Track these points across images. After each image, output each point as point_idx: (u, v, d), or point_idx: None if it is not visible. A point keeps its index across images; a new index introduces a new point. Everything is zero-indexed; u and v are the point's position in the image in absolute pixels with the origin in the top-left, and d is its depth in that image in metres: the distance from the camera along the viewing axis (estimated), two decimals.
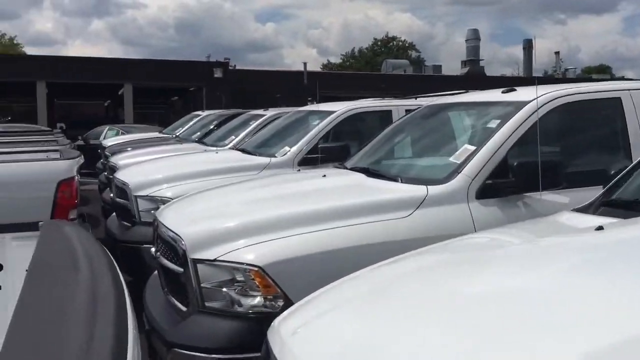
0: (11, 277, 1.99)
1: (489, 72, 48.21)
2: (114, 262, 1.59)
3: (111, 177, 8.46)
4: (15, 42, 52.66)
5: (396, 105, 6.73)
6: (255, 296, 3.05)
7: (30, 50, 52.88)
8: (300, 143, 6.23)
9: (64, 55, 37.60)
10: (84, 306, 1.15)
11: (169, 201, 5.42)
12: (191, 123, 13.95)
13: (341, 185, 3.93)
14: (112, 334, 0.99)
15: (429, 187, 3.43)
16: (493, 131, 3.61)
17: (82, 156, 6.06)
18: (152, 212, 5.73)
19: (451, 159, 3.66)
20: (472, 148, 3.60)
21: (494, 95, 4.25)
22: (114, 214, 6.81)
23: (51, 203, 5.11)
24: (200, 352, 3.00)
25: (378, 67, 51.38)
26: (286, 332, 1.83)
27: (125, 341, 1.02)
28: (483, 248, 2.73)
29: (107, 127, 19.65)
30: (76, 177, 5.50)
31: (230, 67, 31.52)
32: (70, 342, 0.98)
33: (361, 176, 3.97)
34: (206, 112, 14.41)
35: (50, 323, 1.06)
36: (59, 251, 1.61)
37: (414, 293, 2.11)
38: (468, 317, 1.69)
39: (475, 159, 3.48)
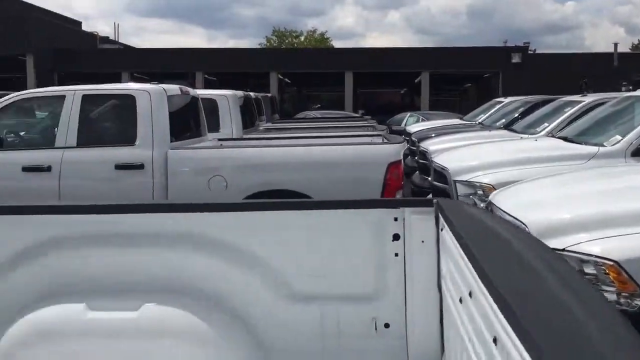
0: (408, 246, 2.28)
1: None
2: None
3: (421, 161, 8.90)
4: (325, 36, 58.47)
5: None
6: (608, 291, 2.92)
7: (337, 44, 58.09)
8: (635, 131, 5.67)
9: (367, 47, 40.39)
10: (571, 284, 1.24)
11: (488, 187, 5.49)
12: (493, 110, 13.78)
13: None
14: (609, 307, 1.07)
15: None
16: None
17: (406, 142, 6.48)
18: (470, 197, 5.88)
19: None
20: None
21: None
22: (429, 196, 7.15)
23: (381, 184, 5.55)
24: None
25: None
26: None
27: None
28: None
29: (408, 114, 20.64)
30: (402, 161, 5.90)
31: (529, 52, 30.14)
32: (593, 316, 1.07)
33: None
34: (509, 99, 14.06)
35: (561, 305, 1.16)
36: (481, 227, 1.78)
37: None
38: None
39: None
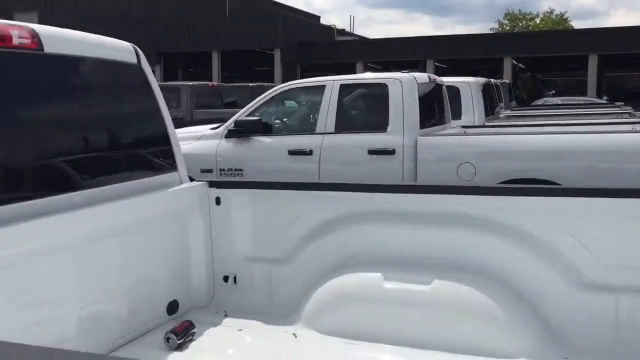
0: None
1: None
2: None
3: None
4: (563, 17, 54.30)
5: None
6: None
7: (576, 25, 53.56)
8: None
9: (614, 27, 36.56)
10: None
11: None
12: None
13: None
14: None
15: None
16: None
17: None
18: None
19: None
20: None
21: None
22: None
23: None
24: None
25: None
26: None
27: None
28: None
29: None
30: None
31: None
32: None
33: None
34: None
35: None
36: None
37: None
38: None
39: None
